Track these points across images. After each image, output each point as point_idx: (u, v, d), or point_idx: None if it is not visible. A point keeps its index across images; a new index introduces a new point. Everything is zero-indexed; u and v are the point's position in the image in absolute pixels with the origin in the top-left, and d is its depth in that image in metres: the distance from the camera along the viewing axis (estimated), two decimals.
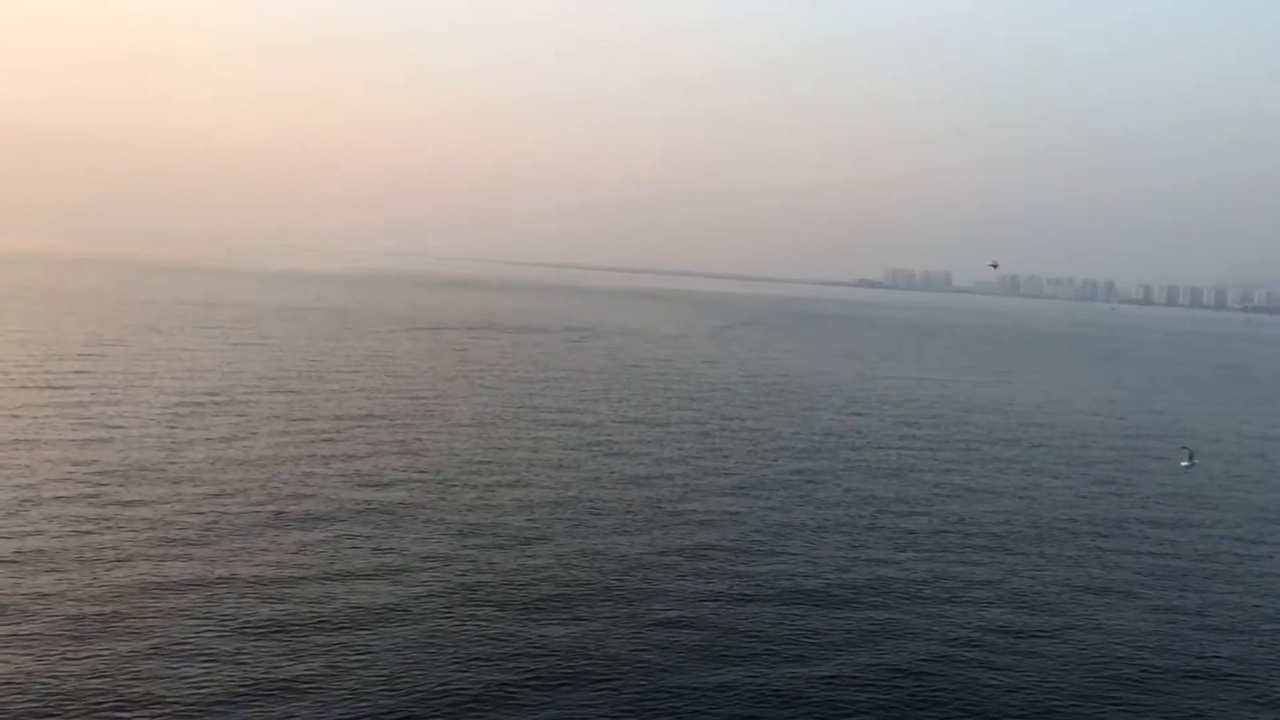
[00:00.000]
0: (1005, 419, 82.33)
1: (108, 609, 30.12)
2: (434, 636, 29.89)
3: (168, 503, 41.24)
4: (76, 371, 73.80)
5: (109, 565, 33.70)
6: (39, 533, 36.43)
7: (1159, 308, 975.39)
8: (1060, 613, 35.34)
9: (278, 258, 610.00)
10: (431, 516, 41.84)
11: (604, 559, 37.80)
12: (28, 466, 45.36)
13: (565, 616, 32.08)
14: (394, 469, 49.60)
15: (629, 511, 44.63)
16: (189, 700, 25.19)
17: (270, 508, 41.37)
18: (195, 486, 43.95)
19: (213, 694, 25.57)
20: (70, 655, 27.09)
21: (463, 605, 32.41)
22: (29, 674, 25.95)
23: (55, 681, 25.65)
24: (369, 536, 38.60)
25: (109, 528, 37.54)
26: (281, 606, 31.19)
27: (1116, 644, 32.81)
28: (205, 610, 30.55)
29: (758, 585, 36.04)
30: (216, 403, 64.76)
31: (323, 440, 55.19)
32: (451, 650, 29.07)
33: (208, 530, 38.04)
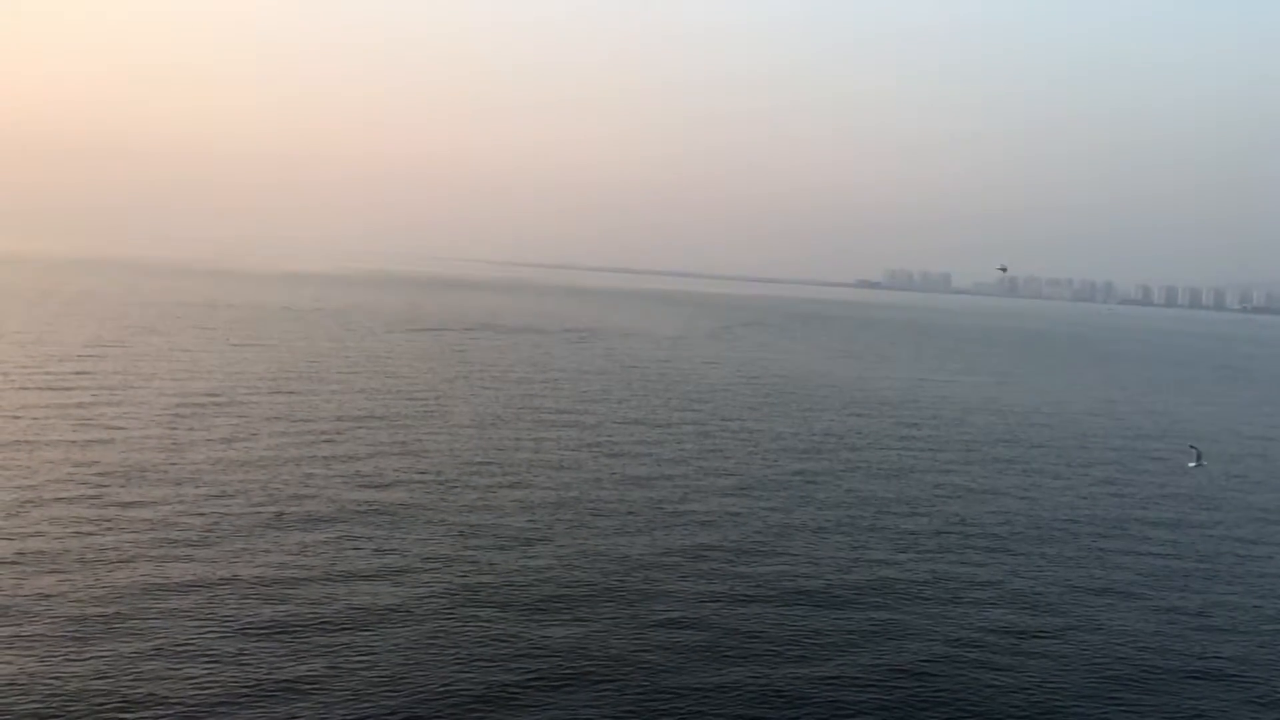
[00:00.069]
0: (1005, 420, 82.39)
1: (110, 610, 30.15)
2: (436, 637, 29.93)
3: (169, 504, 41.27)
4: (77, 373, 73.83)
5: (111, 566, 33.73)
6: (40, 534, 36.47)
7: (1158, 308, 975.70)
8: (1061, 613, 35.38)
9: (277, 259, 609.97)
10: (432, 517, 41.88)
11: (605, 560, 37.84)
12: (29, 468, 45.39)
13: (567, 617, 32.11)
14: (395, 470, 49.63)
15: (630, 512, 44.67)
16: (191, 701, 25.22)
17: (271, 509, 41.40)
18: (196, 487, 43.98)
19: (215, 695, 25.61)
20: (73, 656, 27.13)
21: (464, 606, 32.44)
22: (32, 675, 25.98)
23: (58, 682, 25.68)
24: (370, 537, 38.64)
25: (110, 529, 37.57)
26: (283, 607, 31.23)
27: (1117, 644, 32.86)
28: (207, 611, 30.58)
29: (759, 586, 36.07)
30: (217, 404, 64.79)
31: (323, 441, 55.21)
32: (453, 651, 29.11)
33: (209, 531, 38.07)
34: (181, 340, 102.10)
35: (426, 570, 35.49)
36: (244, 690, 25.93)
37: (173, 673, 26.57)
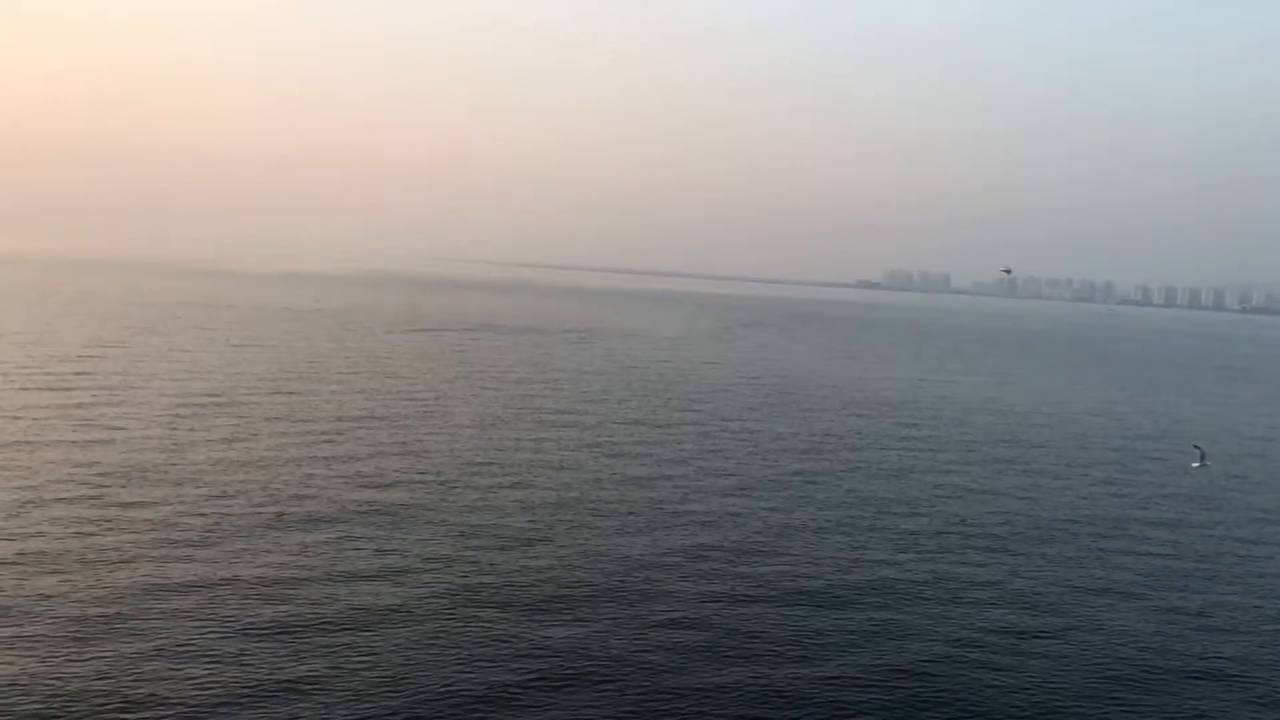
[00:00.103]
0: (1005, 420, 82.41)
1: (111, 610, 30.16)
2: (437, 637, 29.94)
3: (169, 504, 41.28)
4: (77, 373, 73.83)
5: (111, 567, 33.74)
6: (41, 534, 36.48)
7: (1157, 309, 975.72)
8: (1062, 613, 35.39)
9: (277, 259, 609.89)
10: (433, 518, 41.89)
11: (606, 560, 37.85)
12: (29, 468, 45.40)
13: (568, 617, 32.12)
14: (395, 470, 49.64)
15: (630, 513, 44.68)
16: (193, 701, 25.23)
17: (272, 509, 41.40)
18: (197, 488, 43.99)
19: (216, 695, 25.62)
20: (74, 656, 27.14)
21: (465, 606, 32.46)
22: (33, 675, 25.99)
23: (59, 683, 25.69)
24: (371, 538, 38.65)
25: (111, 529, 37.58)
26: (284, 608, 31.24)
27: (1118, 645, 32.87)
28: (208, 611, 30.59)
29: (760, 586, 36.09)
30: (217, 404, 64.80)
31: (324, 442, 55.22)
32: (454, 651, 29.12)
33: (210, 532, 38.08)
34: (181, 341, 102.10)
35: (427, 570, 35.50)
36: (245, 691, 25.94)
37: (174, 673, 26.58)
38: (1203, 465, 61.06)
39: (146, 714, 24.54)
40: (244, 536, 37.74)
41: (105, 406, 61.34)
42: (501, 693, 26.90)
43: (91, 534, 36.86)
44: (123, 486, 43.44)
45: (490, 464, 52.54)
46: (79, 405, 61.17)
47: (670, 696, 27.32)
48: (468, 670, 28.01)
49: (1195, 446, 65.03)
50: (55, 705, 24.67)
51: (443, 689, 26.85)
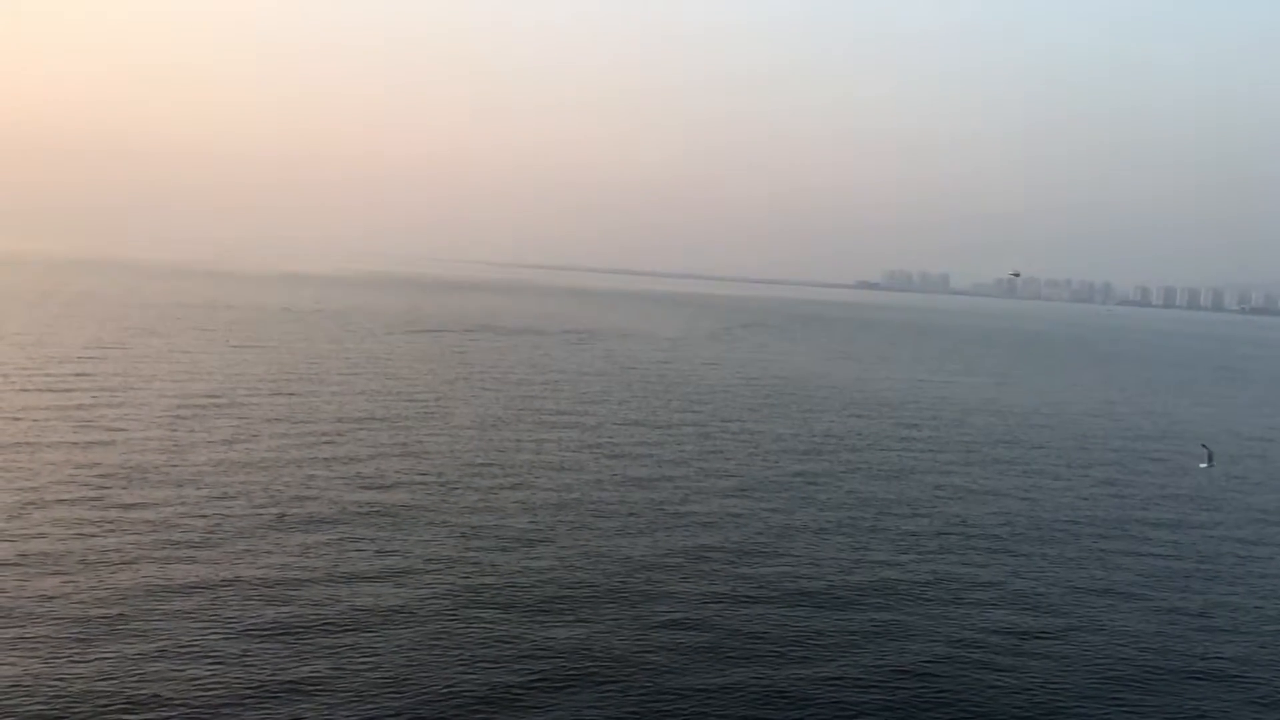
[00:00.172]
0: (1004, 421, 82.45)
1: (112, 611, 30.18)
2: (438, 638, 29.96)
3: (170, 505, 41.29)
4: (77, 374, 73.85)
5: (113, 568, 33.75)
6: (42, 536, 36.50)
7: (1156, 309, 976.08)
8: (1063, 614, 35.42)
9: (277, 260, 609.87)
10: (434, 519, 41.91)
11: (607, 561, 37.87)
12: (30, 470, 45.41)
13: (569, 618, 32.15)
14: (396, 471, 49.66)
15: (631, 514, 44.70)
16: (195, 702, 25.24)
17: (273, 510, 41.42)
18: (198, 489, 44.01)
19: (218, 695, 25.63)
20: (76, 657, 27.15)
21: (467, 607, 32.47)
22: (36, 676, 26.00)
23: (62, 684, 25.70)
24: (372, 539, 38.67)
25: (112, 530, 37.59)
26: (286, 609, 31.26)
27: (1119, 645, 32.90)
28: (210, 612, 30.61)
29: (761, 587, 36.11)
30: (217, 405, 64.82)
31: (324, 443, 55.24)
32: (456, 652, 29.14)
33: (211, 533, 38.09)
34: (182, 341, 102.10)
35: (429, 571, 35.52)
36: (247, 691, 25.96)
37: (176, 674, 26.59)
38: (1210, 465, 60.86)
39: (149, 715, 24.55)
40: (245, 537, 37.76)
41: (106, 408, 61.35)
42: (503, 693, 26.92)
43: (93, 535, 36.88)
44: (124, 488, 43.46)
45: (491, 465, 52.57)
46: (79, 406, 61.19)
47: (672, 697, 27.34)
48: (470, 671, 28.03)
49: (1203, 446, 64.85)
50: (58, 706, 24.68)
51: (445, 690, 26.87)
